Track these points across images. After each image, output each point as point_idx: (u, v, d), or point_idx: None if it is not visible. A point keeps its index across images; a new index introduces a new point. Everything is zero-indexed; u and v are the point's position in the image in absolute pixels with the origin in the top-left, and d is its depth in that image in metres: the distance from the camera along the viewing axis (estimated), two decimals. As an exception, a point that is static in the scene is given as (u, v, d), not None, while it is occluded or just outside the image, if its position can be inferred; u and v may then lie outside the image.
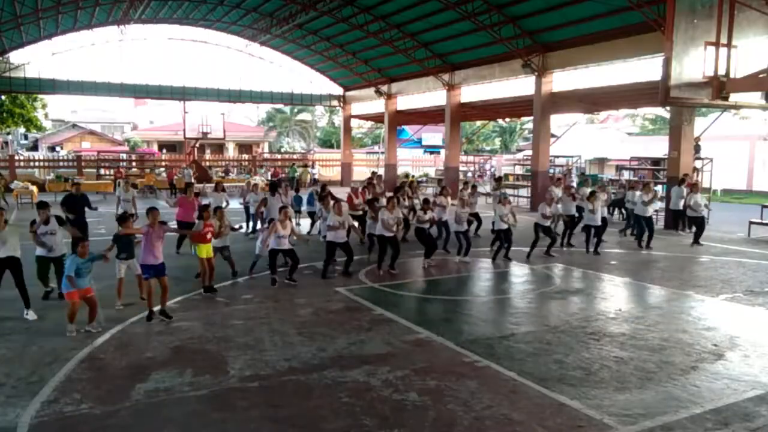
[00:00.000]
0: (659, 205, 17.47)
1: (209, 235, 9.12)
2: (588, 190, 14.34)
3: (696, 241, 14.02)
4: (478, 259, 12.14)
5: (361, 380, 5.73)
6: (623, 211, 17.52)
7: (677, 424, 4.86)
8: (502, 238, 11.81)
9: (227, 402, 5.25)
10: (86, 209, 11.71)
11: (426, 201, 12.12)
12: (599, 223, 12.88)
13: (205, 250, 9.09)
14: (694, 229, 14.44)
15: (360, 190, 14.54)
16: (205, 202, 12.03)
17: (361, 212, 13.09)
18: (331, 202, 10.92)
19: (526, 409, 5.14)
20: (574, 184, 19.70)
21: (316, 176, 35.55)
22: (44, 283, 8.60)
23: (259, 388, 5.57)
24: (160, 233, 7.74)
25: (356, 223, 11.78)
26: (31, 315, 7.63)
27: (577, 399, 5.31)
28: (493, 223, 12.06)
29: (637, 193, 14.57)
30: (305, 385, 5.63)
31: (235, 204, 15.60)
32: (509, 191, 25.26)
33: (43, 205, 8.59)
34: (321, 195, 13.40)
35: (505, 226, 11.75)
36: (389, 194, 13.22)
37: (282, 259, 9.85)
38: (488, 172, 33.69)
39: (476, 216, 14.49)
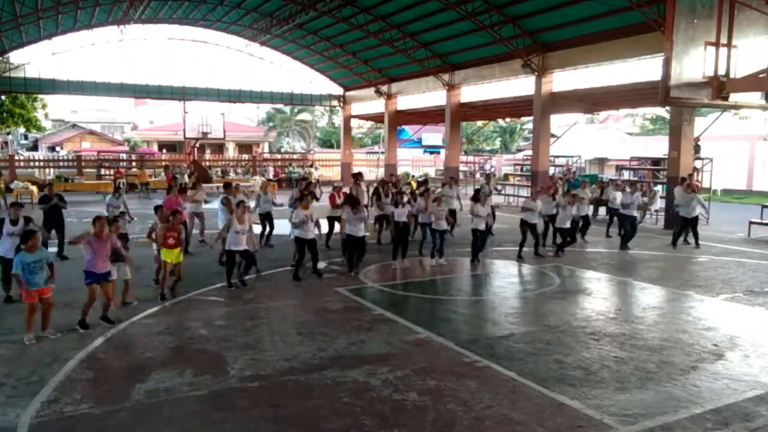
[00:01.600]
0: (658, 205, 17.53)
1: (171, 241, 8.61)
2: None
3: (675, 241, 13.80)
4: (472, 259, 12.12)
5: (361, 380, 5.73)
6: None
7: (677, 424, 4.86)
8: (478, 237, 11.63)
9: (227, 402, 5.25)
10: (62, 209, 11.67)
11: (399, 193, 11.98)
12: (566, 225, 12.46)
13: (171, 256, 8.62)
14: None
15: (342, 190, 14.29)
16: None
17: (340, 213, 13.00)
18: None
19: (526, 409, 5.14)
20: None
21: (317, 176, 35.57)
22: (7, 287, 8.36)
23: (259, 388, 5.57)
24: (107, 244, 7.33)
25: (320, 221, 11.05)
26: None
27: (577, 399, 5.31)
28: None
29: (618, 194, 14.59)
30: (305, 385, 5.63)
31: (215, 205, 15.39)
32: (509, 190, 25.36)
33: (15, 205, 8.55)
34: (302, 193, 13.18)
35: (482, 227, 11.62)
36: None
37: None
38: (486, 172, 33.73)
39: (453, 213, 14.39)
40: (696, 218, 13.97)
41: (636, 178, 20.48)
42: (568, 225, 12.48)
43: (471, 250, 11.77)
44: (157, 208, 9.41)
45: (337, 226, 13.19)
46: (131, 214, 12.32)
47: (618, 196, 14.46)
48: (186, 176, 26.13)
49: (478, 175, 32.51)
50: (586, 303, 8.84)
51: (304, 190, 12.62)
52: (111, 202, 12.32)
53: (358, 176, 15.35)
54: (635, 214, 13.60)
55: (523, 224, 12.17)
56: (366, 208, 11.67)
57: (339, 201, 13.21)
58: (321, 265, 10.44)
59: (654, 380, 5.78)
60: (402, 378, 5.78)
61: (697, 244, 13.76)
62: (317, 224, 10.27)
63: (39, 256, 6.87)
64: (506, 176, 28.35)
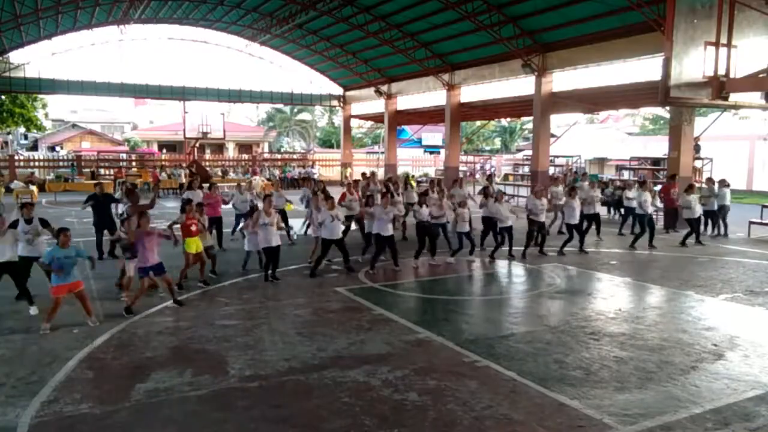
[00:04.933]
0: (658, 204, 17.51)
1: (194, 227, 9.23)
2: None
3: (647, 242, 13.56)
4: (473, 258, 12.13)
5: (361, 380, 5.73)
6: (620, 210, 17.49)
7: (677, 424, 4.86)
8: (504, 235, 11.95)
9: (227, 402, 5.25)
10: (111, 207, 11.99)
11: (423, 194, 12.05)
12: (574, 221, 12.74)
13: (194, 245, 9.22)
14: (637, 228, 14.11)
15: (352, 186, 14.48)
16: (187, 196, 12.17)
17: (356, 211, 13.15)
18: (321, 197, 11.12)
19: (526, 409, 5.14)
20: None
21: (316, 176, 35.59)
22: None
23: (259, 388, 5.57)
24: (154, 236, 8.00)
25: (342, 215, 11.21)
26: (33, 310, 7.79)
27: (577, 399, 5.31)
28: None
29: (630, 192, 14.68)
30: (305, 385, 5.63)
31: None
32: (509, 190, 25.33)
33: (27, 205, 8.72)
34: (313, 191, 13.38)
35: (510, 223, 11.89)
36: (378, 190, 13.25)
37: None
38: (488, 172, 33.77)
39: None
40: (699, 218, 14.14)
41: (637, 178, 20.48)
42: (576, 221, 12.67)
43: (508, 248, 12.07)
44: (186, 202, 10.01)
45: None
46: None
47: (632, 195, 14.54)
48: (183, 176, 26.13)
49: (478, 176, 32.58)
50: (586, 303, 8.84)
51: (316, 189, 12.77)
52: (124, 199, 12.97)
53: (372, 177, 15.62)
54: (650, 211, 13.65)
55: (531, 223, 12.35)
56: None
57: (349, 198, 13.33)
58: (320, 264, 10.50)
59: (654, 380, 5.78)
60: (402, 378, 5.78)
61: (684, 243, 13.85)
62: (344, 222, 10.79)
63: (70, 252, 7.18)
64: (506, 176, 28.32)
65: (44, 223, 8.63)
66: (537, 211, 12.13)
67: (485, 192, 12.96)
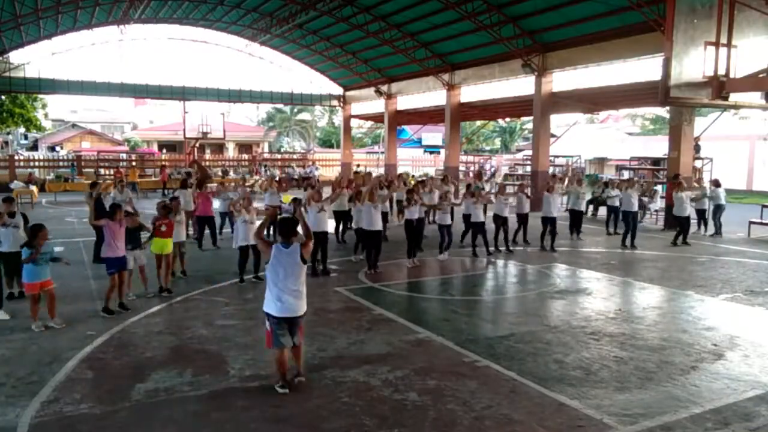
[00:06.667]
0: (659, 204, 17.56)
1: (163, 228, 8.86)
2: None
3: (624, 243, 13.53)
4: (472, 257, 12.12)
5: (361, 380, 5.73)
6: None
7: (677, 424, 4.86)
8: (477, 231, 12.18)
9: (227, 402, 5.25)
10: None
11: (410, 192, 12.09)
12: (552, 214, 12.95)
13: (158, 246, 8.81)
14: (623, 227, 14.08)
15: (346, 182, 14.58)
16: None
17: (348, 208, 13.28)
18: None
19: (526, 409, 5.14)
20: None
21: (317, 176, 35.56)
22: (8, 282, 8.50)
23: (259, 388, 5.57)
24: (121, 227, 7.98)
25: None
26: (1, 315, 7.66)
27: (576, 399, 5.31)
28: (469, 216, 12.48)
29: (613, 191, 14.78)
30: (305, 385, 5.63)
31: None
32: (508, 190, 25.29)
33: (8, 200, 8.79)
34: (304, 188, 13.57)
35: (482, 218, 12.16)
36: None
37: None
38: (488, 172, 33.77)
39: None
40: (688, 217, 14.17)
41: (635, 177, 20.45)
42: (553, 214, 12.90)
43: (473, 245, 12.25)
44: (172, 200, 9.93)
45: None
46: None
47: (617, 194, 14.60)
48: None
49: (471, 175, 32.61)
50: (586, 303, 8.83)
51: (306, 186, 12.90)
52: (115, 197, 12.80)
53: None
54: (635, 210, 13.72)
55: (496, 218, 12.66)
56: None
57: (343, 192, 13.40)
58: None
59: (654, 380, 5.78)
60: (402, 378, 5.77)
61: (685, 240, 13.93)
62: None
63: (45, 249, 7.26)
64: (506, 176, 28.31)
65: (26, 219, 8.67)
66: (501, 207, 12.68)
67: (467, 189, 13.04)
